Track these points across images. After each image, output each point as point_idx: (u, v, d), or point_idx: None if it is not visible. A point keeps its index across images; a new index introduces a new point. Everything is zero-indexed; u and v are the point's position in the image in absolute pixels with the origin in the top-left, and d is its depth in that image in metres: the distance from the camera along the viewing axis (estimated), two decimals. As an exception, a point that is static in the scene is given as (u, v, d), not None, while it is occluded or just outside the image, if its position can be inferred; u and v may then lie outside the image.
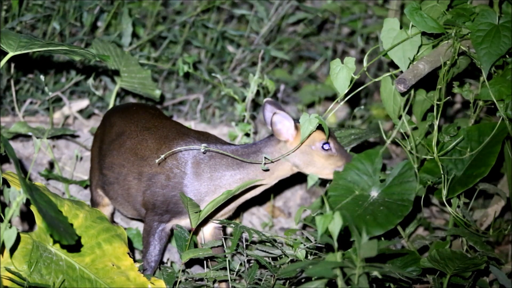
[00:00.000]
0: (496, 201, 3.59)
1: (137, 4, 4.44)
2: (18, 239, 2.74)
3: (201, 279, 3.11)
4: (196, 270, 3.45)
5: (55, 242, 2.77)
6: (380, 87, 3.36)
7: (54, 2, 4.18)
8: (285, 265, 3.07)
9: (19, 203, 2.51)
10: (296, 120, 3.07)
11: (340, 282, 2.44)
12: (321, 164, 3.07)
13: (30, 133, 3.78)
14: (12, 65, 4.02)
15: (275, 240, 3.10)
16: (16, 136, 4.00)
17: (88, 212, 2.99)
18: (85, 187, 3.87)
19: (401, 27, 3.16)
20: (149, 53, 4.43)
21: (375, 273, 2.51)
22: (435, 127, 3.26)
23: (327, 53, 4.96)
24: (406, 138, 3.32)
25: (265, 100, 3.15)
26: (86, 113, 4.29)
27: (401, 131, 3.24)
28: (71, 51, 3.15)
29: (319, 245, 3.03)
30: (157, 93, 4.03)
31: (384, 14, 4.83)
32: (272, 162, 3.06)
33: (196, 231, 3.24)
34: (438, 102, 3.26)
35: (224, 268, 3.07)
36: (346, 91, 3.11)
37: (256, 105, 4.42)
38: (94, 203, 3.42)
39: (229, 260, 3.09)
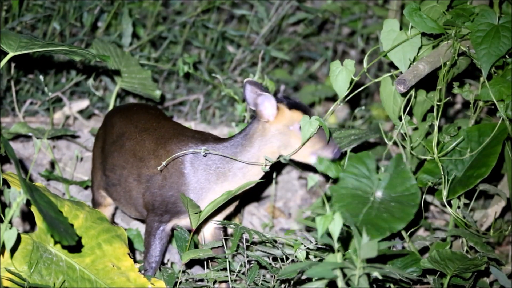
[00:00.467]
0: (496, 201, 3.58)
1: (138, 5, 4.44)
2: (18, 240, 2.74)
3: (202, 280, 3.11)
4: (196, 271, 3.45)
5: (55, 242, 2.77)
6: (380, 88, 3.36)
7: (54, 3, 4.18)
8: (285, 266, 3.07)
9: (19, 204, 2.51)
10: (279, 100, 3.05)
11: (340, 282, 2.44)
12: (293, 146, 3.02)
13: (30, 134, 3.78)
14: (12, 65, 4.02)
15: (275, 241, 3.10)
16: (16, 136, 4.01)
17: (89, 213, 2.99)
18: (86, 188, 3.87)
19: (401, 28, 3.16)
20: (149, 54, 4.43)
21: (376, 273, 2.51)
22: (435, 128, 3.26)
23: (327, 54, 4.96)
24: (406, 138, 3.32)
25: (245, 80, 3.09)
26: (86, 114, 4.29)
27: (402, 132, 3.24)
28: (71, 51, 3.15)
29: (320, 246, 3.03)
30: (157, 93, 4.03)
31: (384, 14, 4.83)
32: (271, 163, 3.05)
33: (196, 231, 3.24)
34: (438, 103, 3.26)
35: (225, 269, 3.07)
36: (346, 93, 3.11)
37: (256, 106, 4.41)
38: (95, 204, 3.42)
39: (229, 261, 3.09)
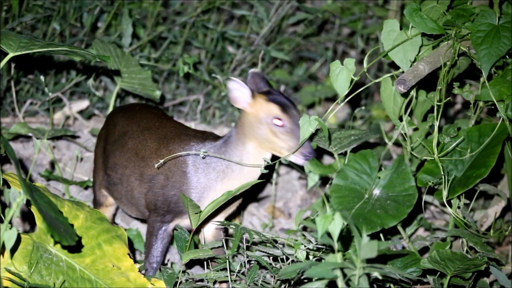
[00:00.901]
0: (496, 201, 3.58)
1: (137, 5, 4.44)
2: (18, 240, 2.74)
3: (202, 280, 3.11)
4: (196, 271, 3.45)
5: (55, 242, 2.77)
6: (380, 88, 3.36)
7: (54, 3, 4.18)
8: (285, 266, 3.07)
9: (19, 204, 2.51)
10: (262, 91, 3.04)
11: (340, 283, 2.44)
12: (268, 138, 2.99)
13: (30, 134, 3.78)
14: (12, 65, 4.02)
15: (275, 241, 3.10)
16: (17, 136, 4.01)
17: (88, 213, 2.99)
18: (85, 188, 3.87)
19: (401, 28, 3.16)
20: (149, 54, 4.43)
21: (376, 274, 2.51)
22: (435, 128, 3.26)
23: (327, 54, 4.96)
24: (406, 139, 3.32)
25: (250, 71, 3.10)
26: (86, 114, 4.29)
27: (402, 132, 3.25)
28: (71, 51, 3.15)
29: (320, 246, 3.03)
30: (157, 93, 4.03)
31: (384, 14, 4.82)
32: (270, 164, 3.06)
33: (197, 231, 3.24)
34: (439, 103, 3.26)
35: (225, 269, 3.07)
36: (346, 92, 3.11)
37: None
38: (97, 203, 3.42)
39: (229, 261, 3.09)
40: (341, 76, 3.10)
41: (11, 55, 3.04)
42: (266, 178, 3.23)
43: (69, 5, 4.20)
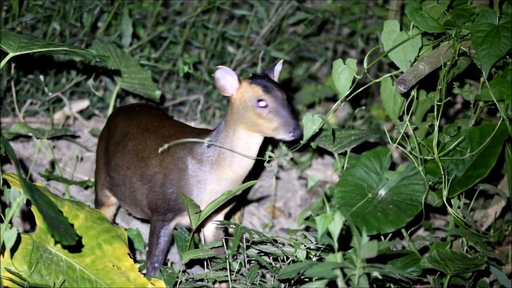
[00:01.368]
0: (496, 201, 3.58)
1: (137, 5, 4.44)
2: (18, 240, 2.74)
3: (202, 280, 3.11)
4: (196, 271, 3.45)
5: (55, 242, 2.77)
6: (380, 88, 3.36)
7: (54, 3, 4.18)
8: (285, 266, 3.07)
9: (19, 204, 2.51)
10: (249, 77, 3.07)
11: (340, 282, 2.44)
12: (252, 121, 3.00)
13: (30, 134, 3.78)
14: (13, 65, 4.02)
15: (275, 241, 3.10)
16: (17, 136, 4.00)
17: (89, 213, 2.99)
18: (86, 188, 3.87)
19: (401, 28, 3.16)
20: (150, 54, 4.43)
21: (376, 273, 2.51)
22: (436, 128, 3.26)
23: (327, 54, 4.96)
24: (406, 139, 3.32)
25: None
26: (86, 114, 4.29)
27: (402, 132, 3.25)
28: (71, 51, 3.15)
29: (320, 246, 3.03)
30: (157, 93, 4.03)
31: (384, 14, 4.82)
32: (273, 158, 3.05)
33: (197, 230, 3.24)
34: (439, 103, 3.26)
35: (225, 269, 3.07)
36: (348, 92, 3.11)
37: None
38: (98, 203, 3.43)
39: (229, 261, 3.09)
40: (343, 75, 3.11)
41: (11, 55, 3.04)
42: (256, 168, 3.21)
43: (69, 5, 4.20)
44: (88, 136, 4.14)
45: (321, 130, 3.19)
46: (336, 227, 2.40)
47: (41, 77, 3.86)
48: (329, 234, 2.42)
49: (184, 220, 3.15)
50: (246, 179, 3.13)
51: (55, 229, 2.52)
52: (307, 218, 3.49)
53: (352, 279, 2.47)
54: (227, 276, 3.06)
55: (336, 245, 2.41)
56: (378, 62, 4.64)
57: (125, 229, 3.31)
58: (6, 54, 3.05)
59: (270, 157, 3.06)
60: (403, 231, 3.39)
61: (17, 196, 2.51)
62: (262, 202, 4.17)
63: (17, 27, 4.07)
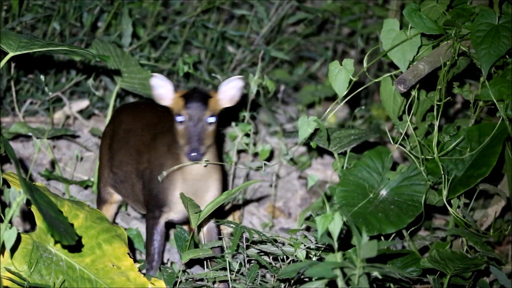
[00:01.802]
0: (496, 201, 3.58)
1: (137, 5, 4.44)
2: (18, 240, 2.74)
3: (201, 279, 3.11)
4: (196, 270, 3.45)
5: (55, 242, 2.77)
6: (380, 88, 3.36)
7: (54, 3, 4.18)
8: (285, 265, 3.07)
9: (19, 203, 2.51)
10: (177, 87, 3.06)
11: (340, 282, 2.44)
12: (176, 133, 2.99)
13: (30, 134, 3.78)
14: (12, 65, 4.02)
15: (275, 240, 3.10)
16: (16, 136, 4.00)
17: (88, 213, 2.99)
18: (86, 188, 3.88)
19: (401, 27, 3.16)
20: (149, 54, 4.43)
21: (376, 273, 2.51)
22: (435, 128, 3.26)
23: (327, 54, 4.95)
24: (406, 139, 3.32)
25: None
26: (86, 114, 4.29)
27: (403, 132, 3.25)
28: (71, 51, 3.15)
29: (320, 245, 3.03)
30: (157, 93, 4.03)
31: (384, 14, 4.82)
32: (270, 165, 3.05)
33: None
34: (438, 103, 3.26)
35: (224, 268, 3.07)
36: (345, 93, 3.11)
37: (256, 106, 4.42)
38: (101, 201, 3.43)
39: (229, 261, 3.09)
40: (340, 76, 3.10)
41: (11, 54, 3.04)
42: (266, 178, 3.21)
43: (69, 5, 4.20)
44: (88, 136, 4.14)
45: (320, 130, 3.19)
46: (336, 227, 2.40)
47: (41, 77, 3.86)
48: (329, 234, 2.42)
49: (170, 216, 3.15)
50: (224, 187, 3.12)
51: (55, 228, 2.52)
52: (307, 218, 3.49)
53: (352, 279, 2.47)
54: (226, 276, 3.06)
55: (336, 245, 2.41)
56: (378, 62, 4.65)
57: (125, 229, 3.31)
58: (6, 53, 3.05)
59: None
60: (403, 231, 3.39)
61: (17, 196, 2.51)
62: (262, 202, 4.17)
63: (17, 27, 4.07)
